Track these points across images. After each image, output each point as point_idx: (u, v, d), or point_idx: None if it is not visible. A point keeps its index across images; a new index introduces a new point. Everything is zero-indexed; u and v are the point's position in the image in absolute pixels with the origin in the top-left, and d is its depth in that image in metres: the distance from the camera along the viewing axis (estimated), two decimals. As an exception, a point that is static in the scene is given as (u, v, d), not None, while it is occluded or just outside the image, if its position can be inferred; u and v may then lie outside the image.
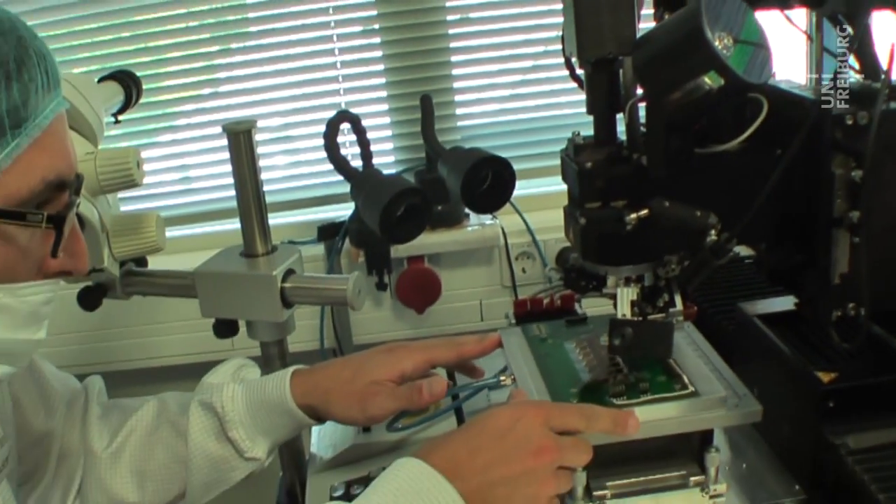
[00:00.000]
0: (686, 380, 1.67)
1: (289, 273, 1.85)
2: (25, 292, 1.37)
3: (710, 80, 1.40)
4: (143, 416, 1.92)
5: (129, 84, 2.15)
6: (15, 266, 1.35)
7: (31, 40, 1.31)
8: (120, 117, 2.18)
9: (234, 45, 3.16)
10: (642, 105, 1.50)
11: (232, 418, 1.83)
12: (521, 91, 3.23)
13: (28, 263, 1.38)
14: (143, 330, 3.03)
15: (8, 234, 1.31)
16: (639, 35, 1.50)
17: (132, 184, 1.80)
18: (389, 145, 3.22)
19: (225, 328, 1.95)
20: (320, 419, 1.88)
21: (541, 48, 3.15)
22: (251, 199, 1.87)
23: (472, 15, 3.13)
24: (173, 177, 3.31)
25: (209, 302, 1.90)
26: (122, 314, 2.76)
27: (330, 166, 2.05)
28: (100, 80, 2.11)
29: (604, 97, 1.55)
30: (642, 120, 1.52)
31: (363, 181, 1.96)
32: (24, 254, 1.35)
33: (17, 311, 1.37)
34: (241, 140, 1.83)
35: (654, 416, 1.59)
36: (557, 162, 1.68)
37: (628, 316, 1.61)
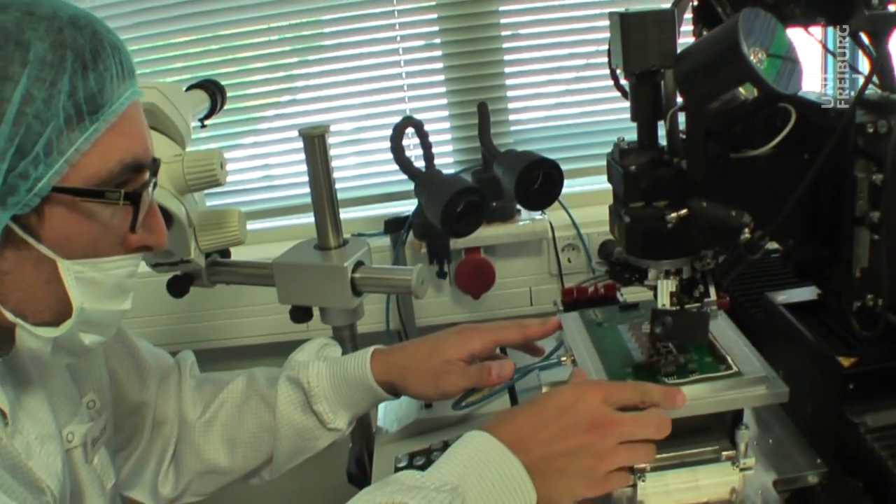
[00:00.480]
0: (730, 361, 1.67)
1: (358, 264, 1.85)
2: (109, 266, 1.38)
3: (744, 91, 1.38)
4: (233, 389, 1.95)
5: (214, 92, 2.16)
6: (98, 242, 1.36)
7: (105, 34, 1.32)
8: (206, 122, 2.17)
9: (310, 58, 3.17)
10: (681, 113, 1.49)
11: (317, 393, 1.86)
12: (566, 99, 3.22)
13: (111, 239, 1.39)
14: (226, 313, 3.06)
15: (90, 212, 1.32)
16: (678, 49, 1.49)
17: (216, 183, 1.80)
18: (449, 147, 3.23)
19: (300, 314, 1.95)
20: (396, 395, 1.89)
21: (583, 61, 3.15)
22: (324, 197, 1.87)
23: (523, 31, 3.12)
24: (253, 175, 3.32)
25: (286, 290, 1.91)
26: (207, 299, 2.76)
27: (395, 166, 2.04)
28: (188, 89, 2.12)
29: (647, 106, 1.54)
30: (681, 127, 1.50)
31: (426, 181, 1.95)
32: (106, 230, 1.36)
33: (102, 284, 1.38)
34: (315, 143, 1.83)
35: (698, 395, 1.60)
36: (600, 163, 1.68)
37: (668, 306, 1.60)
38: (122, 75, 1.33)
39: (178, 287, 2.01)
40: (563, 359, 1.82)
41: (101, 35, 1.31)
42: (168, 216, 1.76)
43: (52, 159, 1.24)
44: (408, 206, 3.15)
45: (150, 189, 1.41)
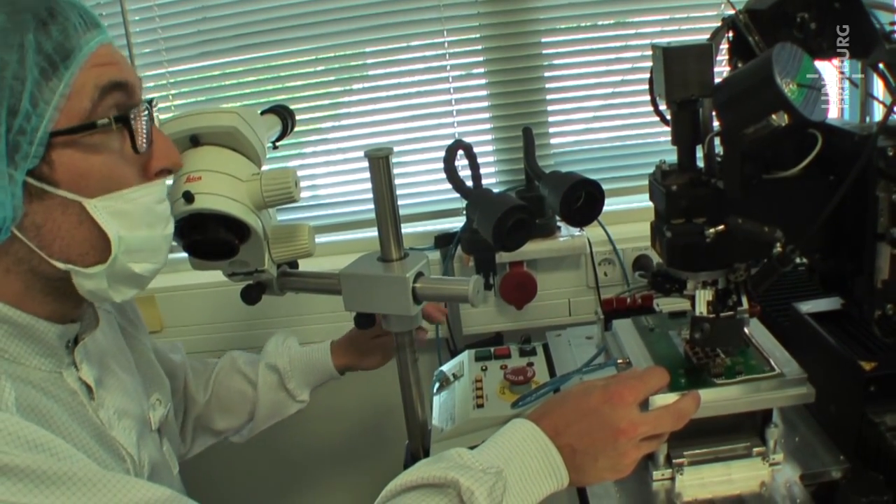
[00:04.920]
0: (773, 363, 1.73)
1: (419, 275, 1.87)
2: (134, 195, 1.45)
3: (776, 118, 1.42)
4: (221, 371, 2.37)
5: (285, 116, 2.19)
6: (112, 174, 1.43)
7: None
8: (277, 144, 2.21)
9: (370, 84, 3.23)
10: (717, 138, 1.53)
11: (289, 376, 2.33)
12: (603, 124, 3.24)
13: (126, 170, 1.46)
14: (293, 320, 3.11)
15: (93, 146, 1.39)
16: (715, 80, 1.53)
17: (291, 200, 1.83)
18: (493, 168, 3.26)
19: (364, 320, 1.98)
20: (343, 373, 2.39)
21: (618, 89, 3.16)
22: (387, 213, 1.89)
23: (563, 60, 3.17)
24: (307, 193, 3.34)
25: (352, 298, 1.93)
26: (276, 305, 2.80)
27: (442, 185, 2.06)
28: (262, 113, 2.14)
29: (687, 131, 1.59)
30: (717, 150, 1.54)
31: (477, 199, 1.98)
32: (123, 160, 1.44)
33: (133, 213, 1.45)
34: (380, 164, 1.86)
35: (736, 395, 1.68)
36: (635, 183, 1.73)
37: (705, 314, 1.64)
38: (86, 25, 1.40)
39: (251, 295, 2.04)
40: (620, 360, 1.86)
41: None
42: (246, 230, 1.80)
43: (40, 109, 1.32)
44: (455, 223, 3.16)
45: (141, 111, 1.47)
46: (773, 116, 1.42)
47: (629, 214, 3.08)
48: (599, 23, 3.13)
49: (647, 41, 3.04)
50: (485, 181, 2.13)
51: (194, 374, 2.33)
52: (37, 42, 1.32)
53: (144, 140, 1.47)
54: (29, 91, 1.30)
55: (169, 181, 1.65)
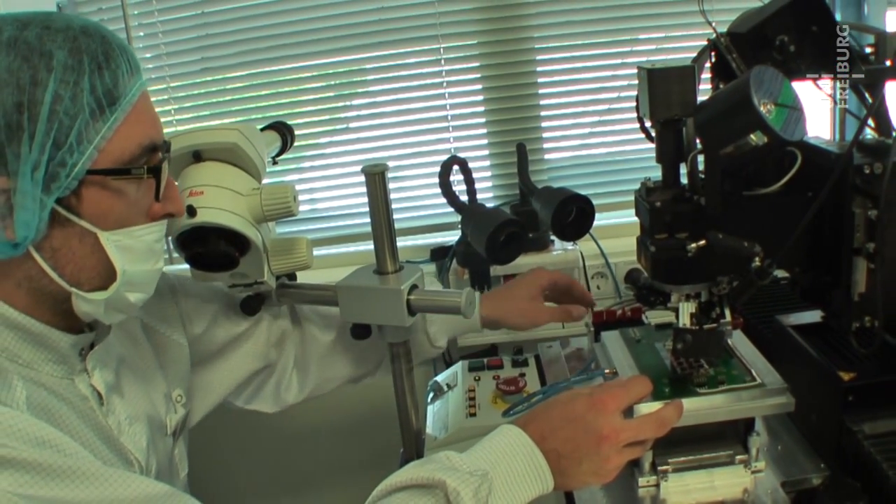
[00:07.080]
0: (754, 373, 1.76)
1: (413, 287, 1.89)
2: (140, 233, 1.51)
3: (755, 137, 1.46)
4: None
5: (284, 132, 2.21)
6: (128, 213, 1.49)
7: (111, 37, 1.45)
8: (277, 160, 2.24)
9: (367, 101, 3.29)
10: (701, 156, 1.57)
11: (431, 319, 2.21)
12: (595, 140, 3.31)
13: (138, 211, 1.51)
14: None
15: (119, 188, 1.45)
16: (698, 100, 1.57)
17: (290, 214, 1.86)
18: (489, 183, 3.30)
19: (360, 330, 1.99)
20: (494, 328, 2.35)
21: (610, 106, 3.22)
22: (383, 227, 1.91)
23: (558, 78, 3.21)
24: (305, 207, 3.37)
25: (348, 309, 1.95)
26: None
27: (439, 199, 2.08)
28: (262, 129, 2.17)
29: (670, 149, 1.63)
30: (700, 168, 1.59)
31: (471, 213, 2.01)
32: (134, 202, 1.49)
33: (135, 249, 1.50)
34: (376, 179, 1.88)
35: (717, 404, 1.72)
36: (626, 199, 1.77)
37: (688, 325, 1.68)
38: (131, 71, 1.46)
39: (250, 306, 2.05)
40: (607, 371, 1.90)
41: (109, 39, 1.44)
42: (246, 242, 1.84)
43: (83, 147, 1.38)
44: (451, 236, 3.21)
45: (166, 164, 1.54)
46: (752, 136, 1.46)
47: (622, 229, 3.12)
48: (594, 41, 3.19)
49: (643, 59, 3.07)
50: (481, 196, 2.16)
51: (313, 313, 2.26)
52: (91, 84, 1.38)
53: (163, 191, 1.55)
54: (77, 128, 1.36)
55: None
